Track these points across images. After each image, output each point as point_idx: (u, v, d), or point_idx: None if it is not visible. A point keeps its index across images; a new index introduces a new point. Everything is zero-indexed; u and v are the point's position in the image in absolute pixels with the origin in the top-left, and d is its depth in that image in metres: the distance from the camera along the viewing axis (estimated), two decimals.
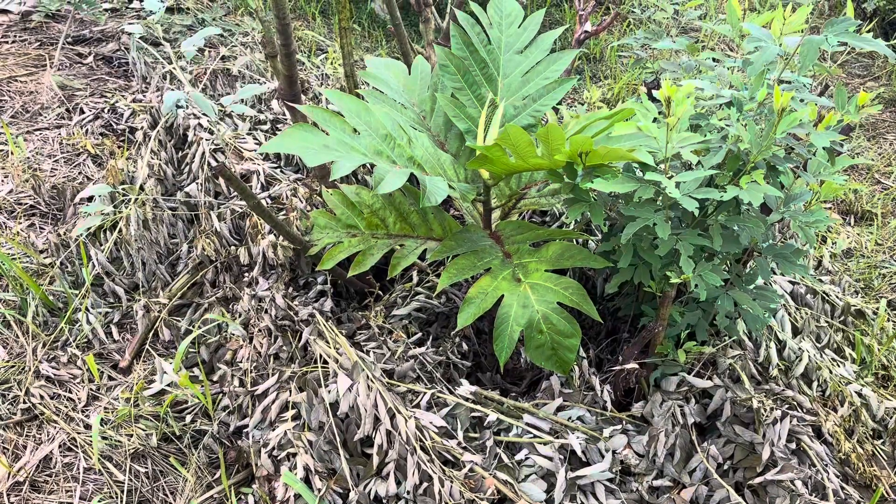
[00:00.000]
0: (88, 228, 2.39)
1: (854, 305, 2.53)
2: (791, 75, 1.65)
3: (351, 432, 1.90)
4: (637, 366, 1.99)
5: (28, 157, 2.85)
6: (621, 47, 4.34)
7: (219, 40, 3.49)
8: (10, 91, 3.27)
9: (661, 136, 1.45)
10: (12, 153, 2.84)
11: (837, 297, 2.56)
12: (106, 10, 3.88)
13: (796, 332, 2.39)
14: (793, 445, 1.95)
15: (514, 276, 1.90)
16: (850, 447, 2.04)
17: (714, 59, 2.02)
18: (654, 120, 1.68)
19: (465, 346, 2.26)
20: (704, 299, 1.64)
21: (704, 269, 1.61)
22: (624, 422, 1.98)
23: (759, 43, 1.52)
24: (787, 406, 2.04)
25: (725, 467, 1.90)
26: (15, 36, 3.65)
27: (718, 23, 1.96)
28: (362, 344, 2.18)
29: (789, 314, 2.40)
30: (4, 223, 2.58)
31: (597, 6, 3.21)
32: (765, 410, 1.93)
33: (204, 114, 2.84)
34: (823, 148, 1.48)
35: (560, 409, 1.97)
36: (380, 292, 2.42)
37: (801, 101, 1.57)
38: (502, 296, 1.86)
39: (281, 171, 2.70)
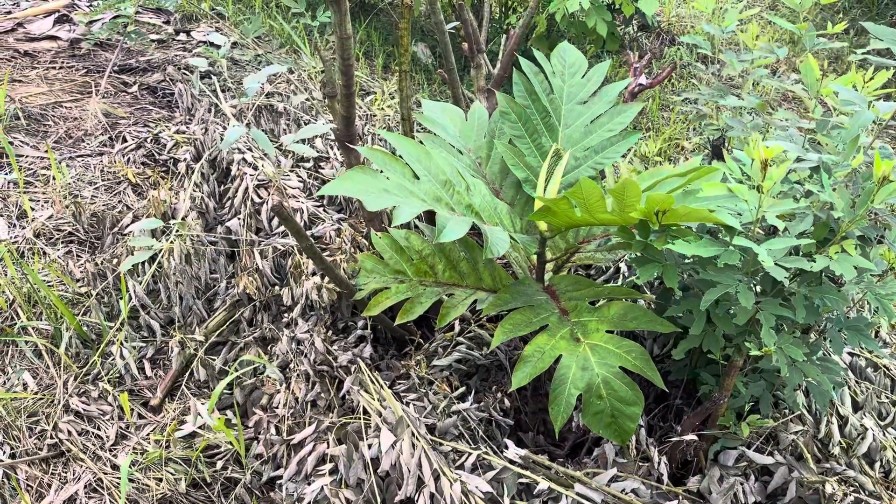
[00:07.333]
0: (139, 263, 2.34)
1: None
2: (878, 142, 1.58)
3: (391, 492, 1.80)
4: (696, 437, 1.87)
5: (69, 183, 2.82)
6: (674, 102, 4.29)
7: None
8: (54, 116, 3.27)
9: (752, 199, 1.37)
10: (54, 178, 2.81)
11: None
12: (153, 40, 3.90)
13: (856, 407, 2.27)
14: None
15: (573, 336, 1.80)
16: None
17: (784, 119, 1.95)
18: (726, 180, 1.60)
19: (507, 403, 2.16)
20: (786, 373, 1.54)
21: (786, 342, 1.51)
22: (680, 497, 1.86)
23: (853, 106, 1.45)
24: (852, 489, 1.91)
25: None
26: (62, 62, 3.67)
27: (794, 82, 1.90)
28: (402, 395, 2.08)
29: (849, 388, 2.28)
30: (42, 249, 2.54)
31: (651, 58, 3.18)
32: (836, 496, 1.81)
33: (249, 149, 2.81)
34: None
35: (614, 479, 1.85)
36: (420, 340, 2.34)
37: None
38: (559, 356, 1.77)
39: (324, 211, 2.65)
